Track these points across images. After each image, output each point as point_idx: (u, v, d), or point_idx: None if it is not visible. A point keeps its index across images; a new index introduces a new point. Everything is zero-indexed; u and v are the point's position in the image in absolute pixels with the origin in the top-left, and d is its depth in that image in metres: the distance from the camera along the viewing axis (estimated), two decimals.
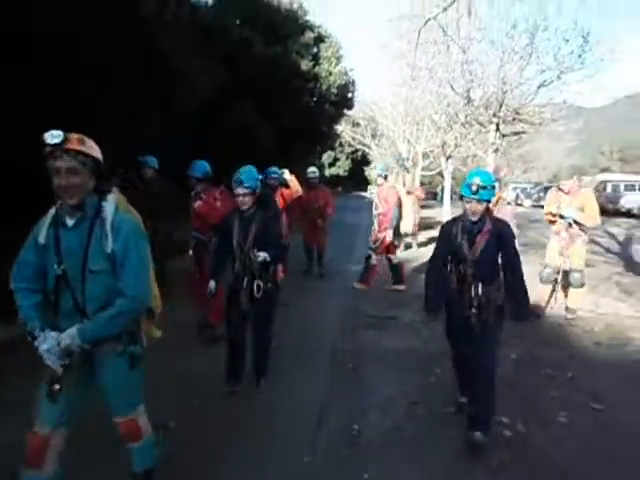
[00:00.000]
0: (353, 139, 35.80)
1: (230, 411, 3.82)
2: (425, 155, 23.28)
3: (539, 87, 12.00)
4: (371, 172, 53.61)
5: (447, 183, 18.00)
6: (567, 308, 6.51)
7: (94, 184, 2.31)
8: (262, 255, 3.98)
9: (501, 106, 12.40)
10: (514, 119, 12.96)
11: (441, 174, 20.44)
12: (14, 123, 6.13)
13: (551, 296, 6.62)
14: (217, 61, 12.43)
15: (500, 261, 3.44)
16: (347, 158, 54.23)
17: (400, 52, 15.00)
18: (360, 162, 53.68)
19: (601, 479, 3.06)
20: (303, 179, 8.79)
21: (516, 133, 13.42)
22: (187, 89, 9.52)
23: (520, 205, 32.28)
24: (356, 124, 34.89)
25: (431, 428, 3.60)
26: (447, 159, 17.32)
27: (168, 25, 8.83)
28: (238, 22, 15.66)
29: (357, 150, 41.79)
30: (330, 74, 19.92)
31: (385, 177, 7.83)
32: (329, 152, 48.90)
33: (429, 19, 8.89)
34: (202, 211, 5.15)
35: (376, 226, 7.74)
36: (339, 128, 29.79)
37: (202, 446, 3.28)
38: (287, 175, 7.90)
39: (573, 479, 3.03)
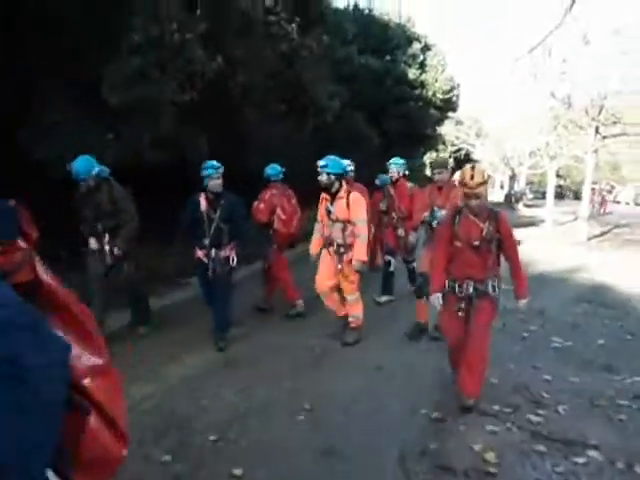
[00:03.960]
0: (457, 138, 36.43)
1: None
2: (532, 154, 23.76)
3: None
4: None
5: (550, 182, 18.68)
6: None
7: None
8: None
9: (600, 110, 13.26)
10: (615, 122, 13.70)
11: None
12: None
13: None
14: (342, 84, 14.68)
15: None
16: (450, 157, 54.44)
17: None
18: (463, 161, 53.68)
19: None
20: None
21: (616, 135, 14.05)
22: (320, 110, 11.78)
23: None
24: (459, 122, 35.53)
25: None
26: (551, 159, 18.05)
27: (305, 60, 11.10)
28: (357, 49, 17.90)
29: (460, 149, 42.27)
30: (436, 81, 21.37)
31: (402, 175, 6.53)
32: (431, 152, 49.61)
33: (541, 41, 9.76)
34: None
35: (402, 233, 6.35)
36: (442, 130, 30.81)
37: None
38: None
39: None
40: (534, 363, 4.42)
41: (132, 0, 5.65)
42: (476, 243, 3.40)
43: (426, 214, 4.89)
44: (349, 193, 4.81)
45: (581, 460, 2.87)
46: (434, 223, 4.70)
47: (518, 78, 14.66)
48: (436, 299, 3.56)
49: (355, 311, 5.01)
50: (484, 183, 3.33)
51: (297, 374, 4.25)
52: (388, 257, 6.62)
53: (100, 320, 4.60)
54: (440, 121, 24.58)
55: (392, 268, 6.57)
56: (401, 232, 6.40)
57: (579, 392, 3.83)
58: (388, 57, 20.15)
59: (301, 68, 10.90)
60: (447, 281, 3.57)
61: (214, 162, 4.84)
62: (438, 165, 5.10)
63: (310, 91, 10.93)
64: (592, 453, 2.94)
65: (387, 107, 19.86)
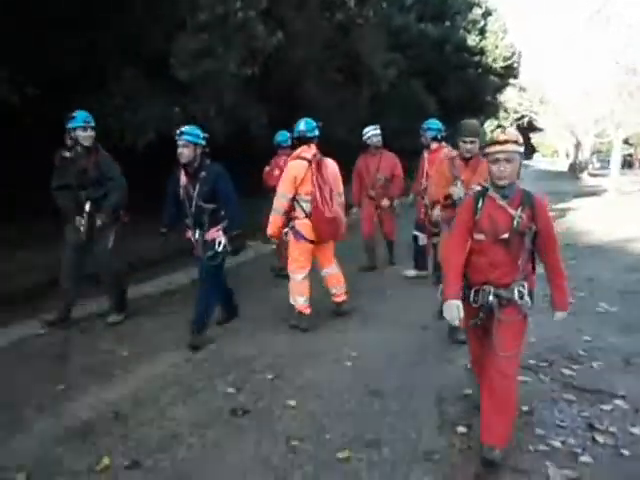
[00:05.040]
0: (519, 105, 35.07)
1: None
2: (597, 122, 22.70)
3: None
4: (538, 139, 51.18)
5: (615, 152, 17.90)
6: None
7: None
8: None
9: None
10: None
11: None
12: None
13: None
14: (399, 52, 14.65)
15: None
16: (511, 125, 52.34)
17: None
18: (526, 129, 51.53)
19: None
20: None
21: None
22: (374, 78, 11.87)
23: None
24: (522, 89, 34.11)
25: None
26: (616, 127, 17.26)
27: (362, 28, 11.18)
28: (415, 18, 17.59)
29: (523, 116, 40.62)
30: (496, 47, 20.71)
31: (439, 139, 5.89)
32: (491, 119, 47.96)
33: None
34: None
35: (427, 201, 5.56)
36: (503, 98, 29.80)
37: None
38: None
39: None
40: (577, 326, 4.57)
41: None
42: (505, 236, 2.57)
43: (455, 191, 4.04)
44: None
45: (607, 407, 3.10)
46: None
47: (580, 45, 14.12)
48: (454, 309, 2.58)
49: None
50: (517, 143, 2.52)
51: (346, 329, 4.66)
52: (416, 232, 6.16)
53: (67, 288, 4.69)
54: (501, 88, 23.89)
55: (421, 242, 6.13)
56: (427, 201, 5.59)
57: (615, 351, 4.00)
58: (448, 23, 19.69)
59: (357, 38, 11.02)
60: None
61: (83, 112, 4.46)
62: (469, 131, 4.05)
63: (365, 60, 11.05)
64: (618, 402, 3.16)
65: (446, 74, 19.54)
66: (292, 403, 3.25)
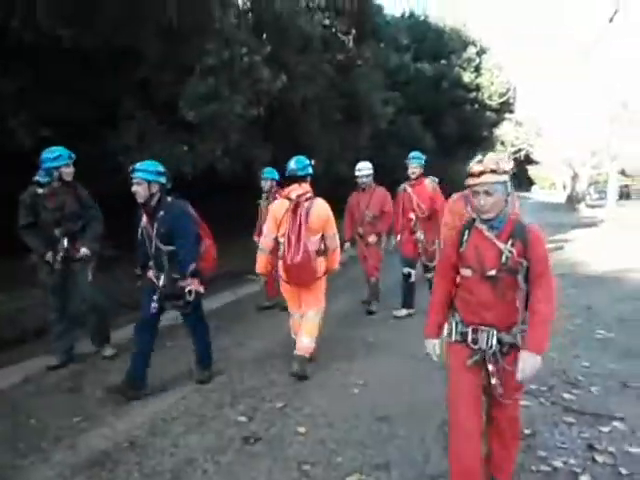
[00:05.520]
0: (516, 138, 35.80)
1: None
2: (594, 153, 23.18)
3: None
4: (536, 172, 51.89)
5: (611, 183, 18.27)
6: None
7: None
8: None
9: None
10: None
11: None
12: None
13: None
14: (396, 90, 15.20)
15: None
16: (509, 158, 53.10)
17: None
18: (523, 162, 52.34)
19: None
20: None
21: None
22: (373, 116, 12.30)
23: None
24: (519, 123, 34.91)
25: None
26: (612, 159, 17.66)
27: (361, 69, 11.68)
28: (411, 57, 18.32)
29: (520, 150, 41.37)
30: (492, 84, 21.38)
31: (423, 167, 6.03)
32: (489, 153, 48.68)
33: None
34: None
35: (421, 236, 5.97)
36: (500, 132, 30.48)
37: None
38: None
39: None
40: (575, 352, 4.69)
41: (206, 28, 6.40)
42: (492, 273, 2.31)
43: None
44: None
45: (605, 429, 3.22)
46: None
47: (575, 80, 14.67)
48: (432, 347, 2.55)
49: None
50: (497, 172, 2.25)
51: (352, 357, 4.79)
52: (407, 269, 6.09)
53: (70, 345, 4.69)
54: (497, 123, 24.47)
55: (413, 279, 6.08)
56: (420, 235, 5.99)
57: (613, 376, 4.11)
58: (444, 61, 20.40)
59: (357, 77, 11.50)
60: (453, 323, 2.50)
61: (64, 149, 4.41)
62: None
63: (365, 99, 11.49)
64: (616, 423, 3.27)
65: (442, 110, 20.10)
66: (302, 430, 3.36)
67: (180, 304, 3.86)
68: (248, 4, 6.84)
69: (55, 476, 2.92)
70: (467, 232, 2.44)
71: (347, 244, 6.46)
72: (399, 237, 6.23)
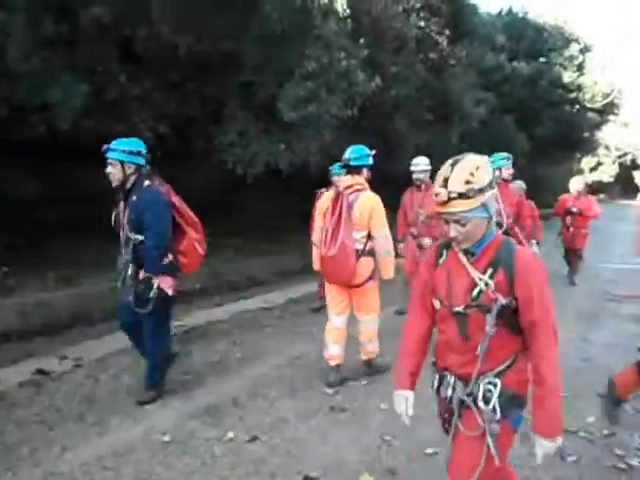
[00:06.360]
0: (622, 141, 33.44)
1: None
2: None
3: None
4: None
5: None
6: None
7: None
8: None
9: None
10: None
11: None
12: None
13: None
14: (490, 89, 14.98)
15: None
16: (613, 162, 49.62)
17: None
18: (629, 167, 48.58)
19: None
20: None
21: None
22: (464, 116, 12.26)
23: None
24: (625, 125, 32.58)
25: None
26: None
27: (454, 68, 11.69)
28: (507, 57, 17.88)
29: (626, 154, 38.53)
30: (595, 83, 20.20)
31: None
32: (590, 156, 45.83)
33: None
34: None
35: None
36: (602, 134, 28.65)
37: None
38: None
39: None
40: None
41: (307, 35, 6.87)
42: (458, 309, 1.78)
43: None
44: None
45: None
46: None
47: None
48: (401, 403, 1.97)
49: None
50: (469, 196, 1.66)
51: None
52: None
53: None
54: (600, 125, 23.04)
55: None
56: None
57: None
58: (542, 59, 19.60)
59: (449, 77, 11.52)
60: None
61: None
62: None
63: (455, 100, 11.49)
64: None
65: (538, 110, 19.34)
66: (384, 406, 3.63)
67: (142, 300, 3.39)
68: (348, 11, 7.19)
69: (175, 418, 3.48)
70: (445, 251, 1.89)
71: (400, 245, 6.00)
72: None
